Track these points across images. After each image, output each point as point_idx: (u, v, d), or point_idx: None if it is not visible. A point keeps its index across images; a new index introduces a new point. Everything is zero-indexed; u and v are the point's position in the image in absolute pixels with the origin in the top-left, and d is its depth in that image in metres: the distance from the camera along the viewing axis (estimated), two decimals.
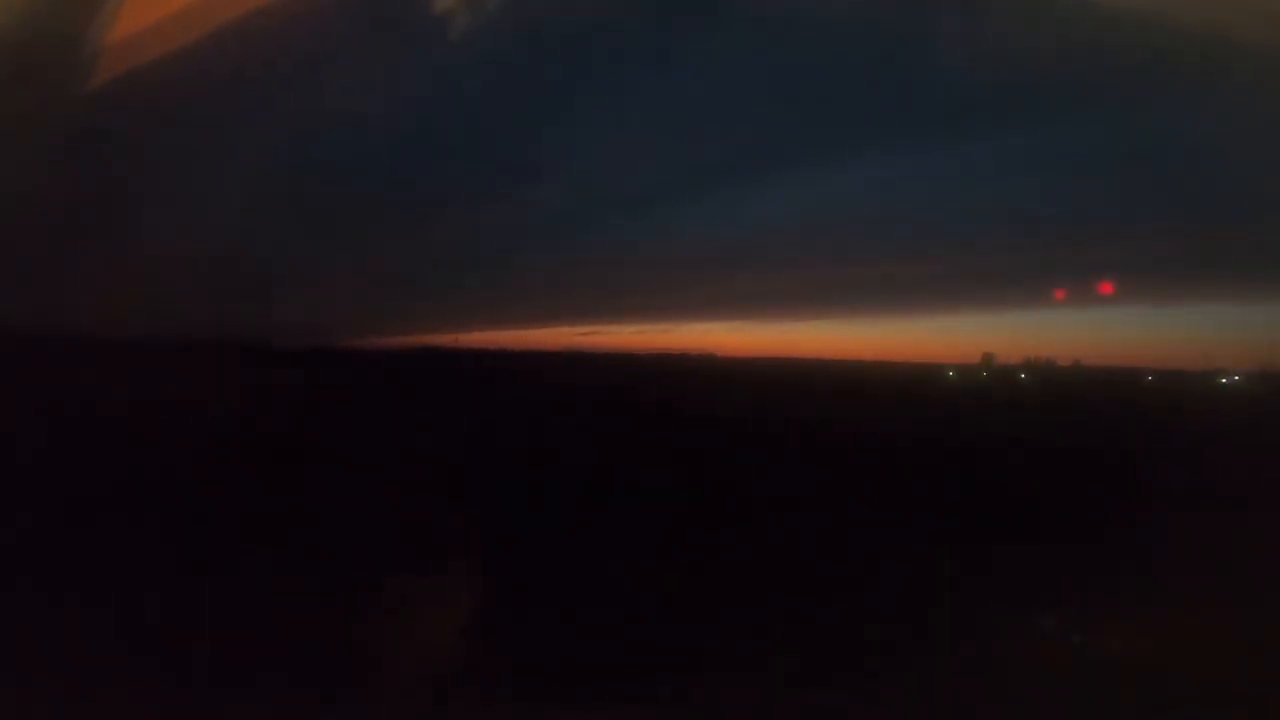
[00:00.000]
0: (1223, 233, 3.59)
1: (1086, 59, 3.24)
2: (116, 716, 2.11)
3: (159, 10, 3.12)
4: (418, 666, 2.36)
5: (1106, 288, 3.74)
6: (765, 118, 3.80)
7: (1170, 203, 3.67)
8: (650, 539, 3.10)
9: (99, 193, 3.46)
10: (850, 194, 3.98)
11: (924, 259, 3.99)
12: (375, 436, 3.57)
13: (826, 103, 3.71)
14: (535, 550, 2.94)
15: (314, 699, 2.16)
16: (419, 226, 3.93)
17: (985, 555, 2.88)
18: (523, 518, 3.18)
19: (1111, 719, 2.11)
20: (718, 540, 3.12)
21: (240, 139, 3.55)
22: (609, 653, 2.39)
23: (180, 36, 3.15)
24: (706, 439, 4.24)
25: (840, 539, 3.12)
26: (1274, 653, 2.29)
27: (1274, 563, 2.68)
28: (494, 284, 4.17)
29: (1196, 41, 2.96)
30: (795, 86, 3.65)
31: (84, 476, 2.93)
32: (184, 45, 3.15)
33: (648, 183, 3.92)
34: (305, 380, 3.72)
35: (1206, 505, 3.11)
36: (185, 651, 2.31)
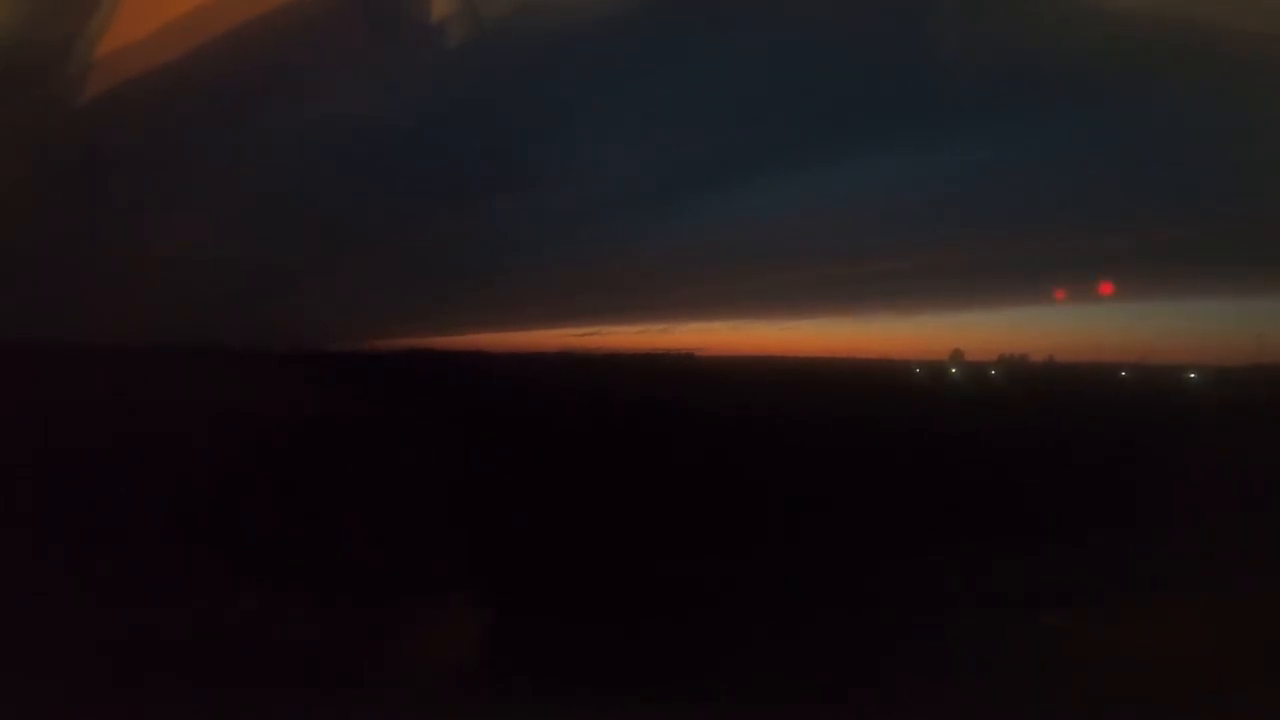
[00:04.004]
0: (1197, 231, 3.60)
1: (1067, 60, 3.25)
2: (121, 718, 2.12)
3: (159, 17, 3.13)
4: (420, 667, 2.36)
5: (1106, 288, 3.75)
6: (763, 119, 3.80)
7: (1146, 201, 3.69)
8: (651, 539, 3.10)
9: (97, 198, 3.46)
10: (849, 193, 3.99)
11: (921, 256, 4.00)
12: (378, 438, 3.58)
13: (823, 105, 3.72)
14: (538, 550, 2.95)
15: (317, 699, 2.17)
16: (419, 230, 3.94)
17: (978, 551, 2.88)
18: (526, 518, 3.19)
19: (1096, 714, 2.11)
20: (717, 539, 3.12)
21: (239, 145, 3.55)
22: (612, 654, 2.40)
23: (181, 43, 3.15)
24: (706, 437, 4.25)
25: (836, 535, 3.12)
26: (1262, 645, 2.29)
27: (1250, 553, 2.69)
28: (494, 286, 4.18)
29: (1181, 39, 2.97)
30: (791, 89, 3.66)
31: (87, 482, 2.94)
32: (184, 52, 3.16)
33: (646, 185, 3.92)
34: (306, 383, 3.73)
35: (1185, 497, 3.12)
36: (191, 654, 2.32)
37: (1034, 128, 3.63)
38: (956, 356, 4.13)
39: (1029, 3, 3.23)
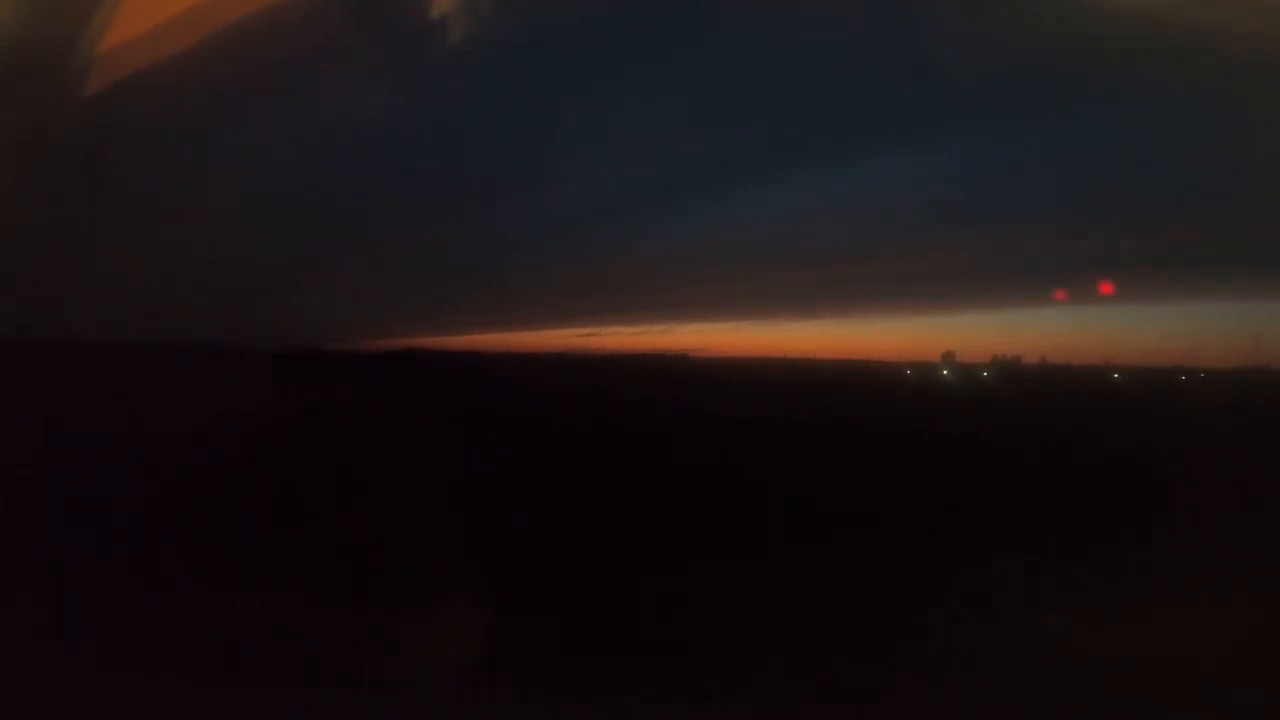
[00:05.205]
0: (1196, 232, 3.60)
1: (1067, 60, 3.25)
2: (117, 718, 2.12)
3: (159, 13, 3.14)
4: (421, 667, 2.36)
5: (1107, 288, 3.74)
6: (763, 119, 3.80)
7: (1146, 201, 3.68)
8: (652, 540, 3.10)
9: (97, 197, 3.46)
10: (849, 193, 3.98)
11: (923, 256, 3.99)
12: (377, 438, 3.57)
13: (823, 105, 3.71)
14: (539, 551, 2.95)
15: (317, 699, 2.17)
16: (418, 229, 3.94)
17: (979, 551, 2.88)
18: (526, 518, 3.18)
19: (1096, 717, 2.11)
20: (718, 540, 3.12)
21: (238, 142, 3.56)
22: (612, 654, 2.40)
23: (180, 43, 3.16)
24: (707, 438, 4.24)
25: (836, 536, 3.12)
26: (1263, 645, 2.29)
27: (1250, 553, 2.69)
28: (494, 286, 4.17)
29: (1181, 39, 2.97)
30: (792, 87, 3.66)
31: (85, 481, 2.94)
32: (184, 52, 3.16)
33: (646, 185, 3.92)
34: (306, 384, 3.73)
35: (1184, 498, 3.12)
36: (186, 655, 2.32)
37: (1034, 128, 3.63)
38: (949, 358, 4.13)
39: (1029, 3, 3.23)
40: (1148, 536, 2.94)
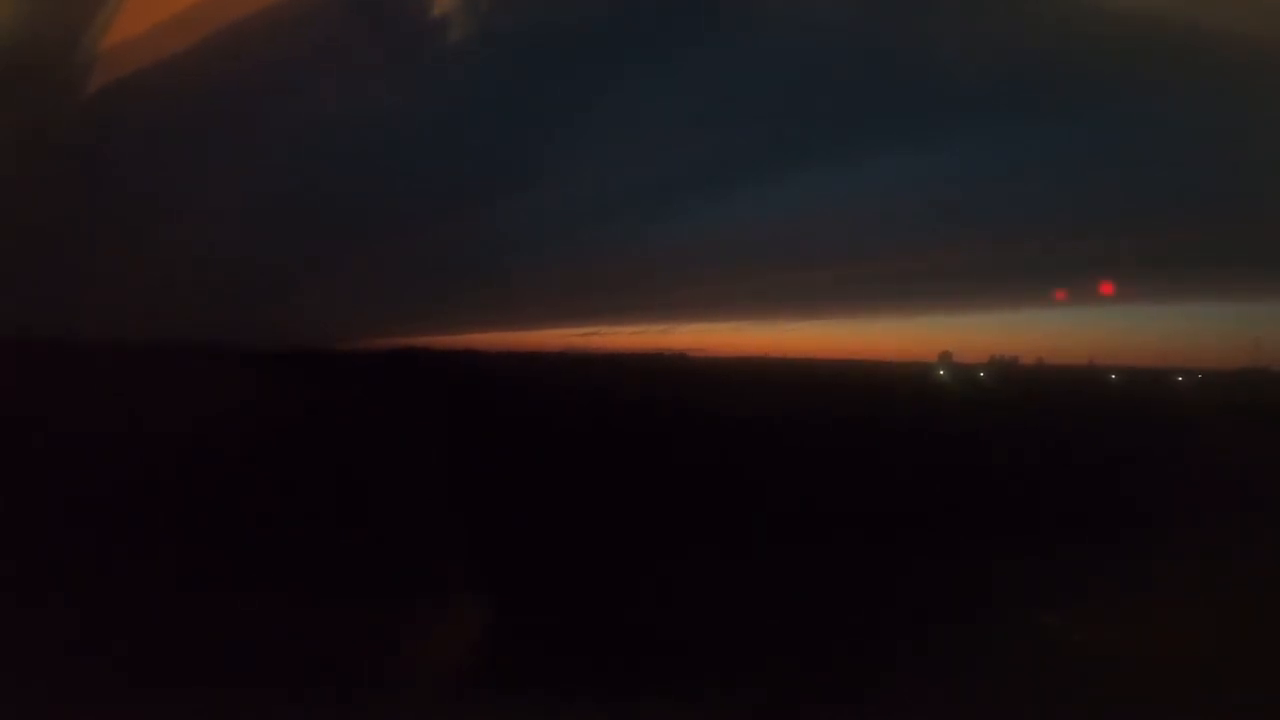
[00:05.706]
0: (1196, 233, 3.60)
1: (1067, 60, 3.25)
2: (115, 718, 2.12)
3: (158, 14, 3.13)
4: (421, 668, 2.36)
5: (1108, 288, 3.74)
6: (763, 119, 3.80)
7: (1146, 202, 3.69)
8: (649, 540, 3.10)
9: (96, 196, 3.46)
10: (849, 193, 3.98)
11: (923, 256, 4.00)
12: (376, 438, 3.57)
13: (823, 105, 3.72)
14: (539, 550, 2.95)
15: (317, 699, 2.17)
16: (418, 229, 3.94)
17: (979, 551, 2.88)
18: (526, 517, 3.18)
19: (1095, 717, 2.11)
20: (718, 542, 3.12)
21: (239, 143, 3.55)
22: (612, 654, 2.40)
23: (181, 43, 3.15)
24: (706, 438, 4.24)
25: (836, 536, 3.12)
26: (1262, 646, 2.29)
27: (1248, 554, 2.69)
28: (494, 286, 4.17)
29: (1181, 39, 2.97)
30: (792, 87, 3.66)
31: (83, 480, 2.94)
32: (184, 52, 3.16)
33: (646, 185, 3.92)
34: (304, 382, 3.73)
35: (1183, 499, 3.12)
36: (186, 654, 2.31)
37: (1034, 128, 3.63)
38: (946, 358, 4.14)
39: (1029, 3, 3.23)
40: (1147, 536, 2.94)
